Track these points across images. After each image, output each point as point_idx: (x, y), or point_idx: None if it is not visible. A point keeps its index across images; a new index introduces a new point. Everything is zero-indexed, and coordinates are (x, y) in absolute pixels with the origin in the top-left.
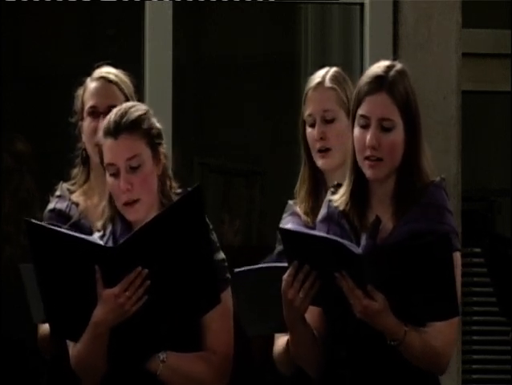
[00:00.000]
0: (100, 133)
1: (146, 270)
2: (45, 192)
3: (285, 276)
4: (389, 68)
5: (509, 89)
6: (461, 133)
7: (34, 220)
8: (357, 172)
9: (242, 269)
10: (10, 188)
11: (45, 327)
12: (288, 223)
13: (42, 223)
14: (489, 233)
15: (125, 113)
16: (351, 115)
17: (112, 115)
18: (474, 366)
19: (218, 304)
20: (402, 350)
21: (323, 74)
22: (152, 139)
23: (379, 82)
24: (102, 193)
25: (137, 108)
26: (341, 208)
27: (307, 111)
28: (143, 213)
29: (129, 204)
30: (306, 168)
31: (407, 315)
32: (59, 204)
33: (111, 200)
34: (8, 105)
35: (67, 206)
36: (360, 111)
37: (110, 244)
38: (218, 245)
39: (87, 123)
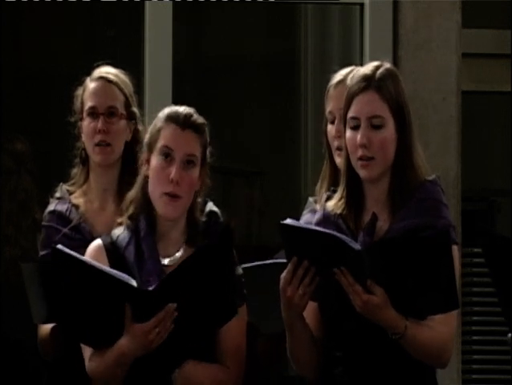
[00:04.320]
0: (161, 116)
1: (175, 305)
2: (44, 193)
3: (283, 273)
4: (377, 68)
5: (510, 89)
6: (461, 133)
7: (62, 248)
8: (351, 174)
9: (251, 264)
10: (9, 188)
11: (45, 328)
12: (306, 220)
13: (72, 252)
14: (489, 233)
15: (194, 114)
16: (343, 117)
17: (180, 108)
18: (474, 366)
19: (235, 315)
20: (403, 344)
21: (346, 73)
22: (205, 152)
23: (367, 81)
24: (101, 195)
25: (202, 118)
26: (337, 212)
27: (328, 108)
28: (177, 214)
29: (172, 196)
30: (328, 166)
31: (407, 309)
32: (59, 207)
33: (144, 190)
34: (8, 105)
35: (67, 209)
36: (350, 113)
37: (132, 245)
38: (236, 260)
39: (86, 124)
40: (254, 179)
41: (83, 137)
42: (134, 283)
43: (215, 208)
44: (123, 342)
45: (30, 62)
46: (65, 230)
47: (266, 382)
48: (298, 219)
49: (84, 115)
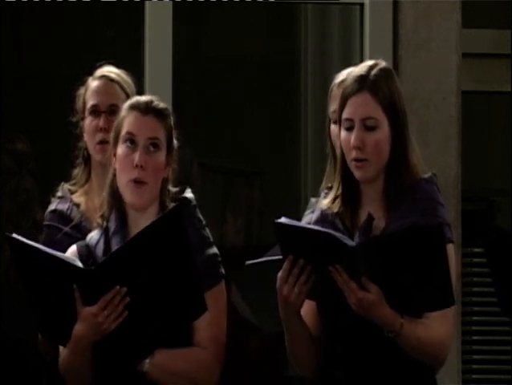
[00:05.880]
0: (124, 108)
1: (124, 288)
2: (45, 193)
3: (279, 273)
4: (371, 68)
5: (510, 89)
6: (461, 133)
7: (15, 236)
8: (346, 173)
9: (254, 261)
10: (10, 188)
11: None
12: (308, 220)
13: (23, 239)
14: (491, 228)
15: (155, 100)
16: (338, 118)
17: (142, 97)
18: (474, 366)
19: (205, 312)
20: (399, 342)
21: (349, 72)
22: (171, 138)
23: (361, 82)
24: (102, 194)
25: (164, 104)
26: (334, 210)
27: (331, 107)
28: (144, 201)
29: (138, 183)
30: (332, 166)
31: (403, 306)
32: (61, 206)
33: (113, 185)
34: (8, 105)
35: (68, 208)
36: (344, 115)
37: (101, 242)
38: (211, 240)
39: (88, 122)
40: (254, 179)
41: (85, 136)
42: (79, 263)
43: (190, 195)
44: (76, 327)
45: (30, 62)
46: (66, 229)
47: (259, 379)
48: (298, 219)
49: (86, 113)
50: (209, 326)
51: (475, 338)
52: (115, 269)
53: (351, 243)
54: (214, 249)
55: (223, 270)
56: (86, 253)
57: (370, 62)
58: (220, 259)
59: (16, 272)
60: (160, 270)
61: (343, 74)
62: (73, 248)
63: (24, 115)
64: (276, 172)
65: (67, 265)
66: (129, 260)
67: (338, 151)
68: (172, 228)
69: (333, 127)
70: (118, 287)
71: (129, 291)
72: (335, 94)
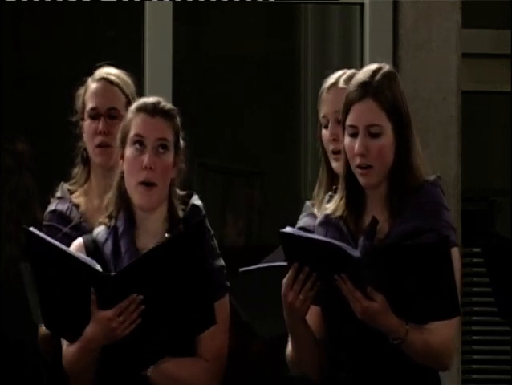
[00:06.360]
0: (131, 109)
1: (141, 297)
2: (45, 192)
3: (284, 279)
4: (375, 73)
5: (510, 89)
6: (461, 133)
7: (34, 230)
8: (350, 178)
9: (249, 268)
10: (10, 187)
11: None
12: (304, 223)
13: (44, 235)
14: (489, 233)
15: (162, 101)
16: (342, 124)
17: (149, 99)
18: (474, 366)
19: (213, 324)
20: (404, 349)
21: (339, 76)
22: (178, 139)
23: (364, 89)
24: (102, 194)
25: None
26: (338, 214)
27: (322, 112)
28: (154, 202)
29: (147, 185)
30: (325, 170)
31: (408, 315)
32: (60, 206)
33: (121, 187)
34: (8, 105)
35: (68, 208)
36: (348, 121)
37: (110, 241)
38: (218, 251)
39: (87, 124)
40: (254, 179)
41: (84, 137)
42: (98, 268)
43: (198, 202)
44: (89, 328)
45: (30, 62)
46: (65, 229)
47: (259, 380)
48: (297, 220)
49: (85, 115)
50: (212, 339)
51: (475, 338)
52: (134, 278)
53: (355, 254)
54: (221, 262)
55: (228, 283)
56: (93, 248)
57: (373, 67)
58: (225, 271)
59: (30, 263)
60: (176, 281)
61: (332, 79)
62: (79, 241)
63: (24, 115)
64: (276, 172)
65: (86, 267)
66: (148, 270)
67: (330, 156)
68: (192, 243)
69: (324, 132)
70: (135, 295)
71: (144, 299)
72: (325, 98)
